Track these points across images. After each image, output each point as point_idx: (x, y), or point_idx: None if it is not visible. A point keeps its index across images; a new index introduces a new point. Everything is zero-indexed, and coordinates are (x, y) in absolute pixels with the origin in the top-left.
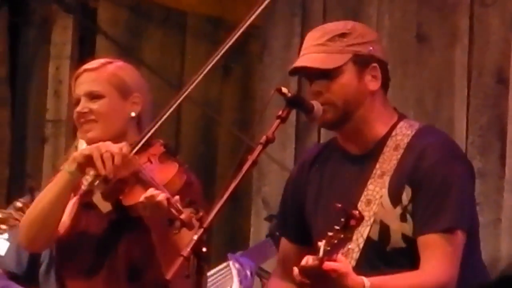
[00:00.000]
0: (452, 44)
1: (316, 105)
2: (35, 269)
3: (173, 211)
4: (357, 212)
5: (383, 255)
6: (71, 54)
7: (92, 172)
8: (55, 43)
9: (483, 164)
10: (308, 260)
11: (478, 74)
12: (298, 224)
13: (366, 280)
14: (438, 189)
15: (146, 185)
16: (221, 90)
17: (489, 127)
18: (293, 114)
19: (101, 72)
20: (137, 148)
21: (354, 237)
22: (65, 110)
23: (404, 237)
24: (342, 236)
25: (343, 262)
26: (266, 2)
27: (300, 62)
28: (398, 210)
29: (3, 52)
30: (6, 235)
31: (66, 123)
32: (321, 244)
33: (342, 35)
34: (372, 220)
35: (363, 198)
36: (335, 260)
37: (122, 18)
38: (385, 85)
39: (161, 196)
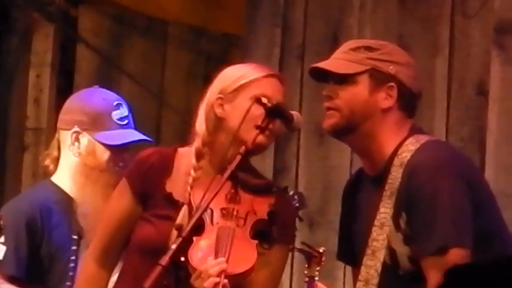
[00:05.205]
0: (433, 55)
1: (296, 115)
2: (36, 270)
3: None
4: (314, 252)
5: (398, 280)
6: (51, 62)
7: None
8: (36, 51)
9: None
10: None
11: (458, 86)
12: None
13: None
14: (425, 210)
15: None
16: (201, 99)
17: (470, 139)
18: None
19: None
20: None
21: (372, 263)
22: (45, 118)
23: (411, 259)
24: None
25: None
26: None
27: (318, 64)
28: (400, 234)
29: None
30: (2, 239)
31: (46, 131)
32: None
33: (368, 48)
34: (385, 243)
35: (376, 221)
36: None
37: (104, 27)
38: (405, 109)
39: None
